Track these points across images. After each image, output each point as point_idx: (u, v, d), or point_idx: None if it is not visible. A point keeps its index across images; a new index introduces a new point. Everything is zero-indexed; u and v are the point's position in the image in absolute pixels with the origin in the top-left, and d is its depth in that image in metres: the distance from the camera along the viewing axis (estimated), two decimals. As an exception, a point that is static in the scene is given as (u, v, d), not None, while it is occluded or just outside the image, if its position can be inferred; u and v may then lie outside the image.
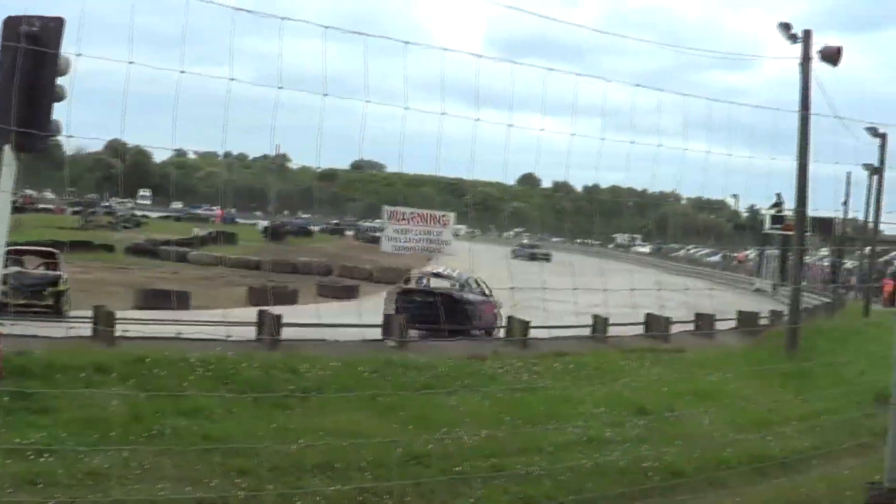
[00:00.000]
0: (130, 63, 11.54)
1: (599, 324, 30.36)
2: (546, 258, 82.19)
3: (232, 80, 11.47)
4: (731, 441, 18.23)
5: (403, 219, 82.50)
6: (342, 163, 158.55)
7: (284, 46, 12.38)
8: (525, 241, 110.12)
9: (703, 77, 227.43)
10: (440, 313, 27.09)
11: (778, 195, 60.28)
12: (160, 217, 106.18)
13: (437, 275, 37.39)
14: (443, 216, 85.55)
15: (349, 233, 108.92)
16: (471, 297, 34.27)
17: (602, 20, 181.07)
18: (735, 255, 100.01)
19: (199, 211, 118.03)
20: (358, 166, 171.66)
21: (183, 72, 11.86)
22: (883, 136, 43.53)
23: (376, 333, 27.22)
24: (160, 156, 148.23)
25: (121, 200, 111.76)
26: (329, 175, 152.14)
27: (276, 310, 26.68)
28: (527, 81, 13.80)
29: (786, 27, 31.59)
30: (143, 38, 12.28)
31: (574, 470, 15.28)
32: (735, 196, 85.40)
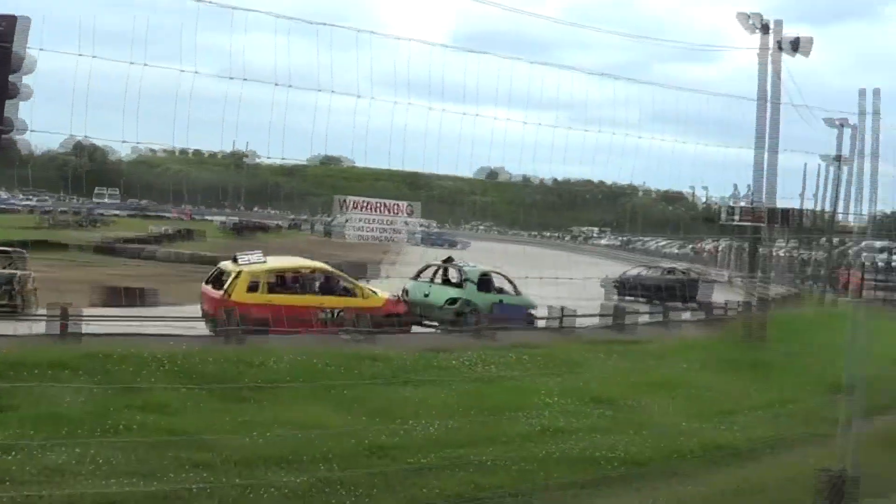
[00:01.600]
0: (94, 57, 11.67)
1: (563, 315, 30.43)
2: (456, 245, 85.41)
3: (196, 73, 11.61)
4: (690, 431, 18.47)
5: (366, 208, 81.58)
6: (304, 158, 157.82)
7: (244, 42, 12.49)
8: (435, 228, 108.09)
9: (668, 69, 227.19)
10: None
11: (735, 186, 60.96)
12: (129, 215, 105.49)
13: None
14: (408, 205, 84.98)
15: (306, 228, 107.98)
16: None
17: (566, 14, 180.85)
18: (698, 246, 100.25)
19: (168, 213, 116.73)
20: (324, 162, 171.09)
21: (146, 65, 12.00)
22: (849, 127, 43.97)
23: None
24: (123, 154, 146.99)
25: (85, 199, 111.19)
26: (291, 171, 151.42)
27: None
28: (488, 75, 13.89)
29: (749, 18, 31.77)
30: (102, 37, 12.36)
31: (534, 460, 15.44)
32: (705, 188, 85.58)
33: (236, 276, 28.11)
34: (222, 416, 16.31)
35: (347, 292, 29.62)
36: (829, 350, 24.00)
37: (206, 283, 29.44)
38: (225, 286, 27.94)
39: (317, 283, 30.14)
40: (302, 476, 13.53)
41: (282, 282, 29.54)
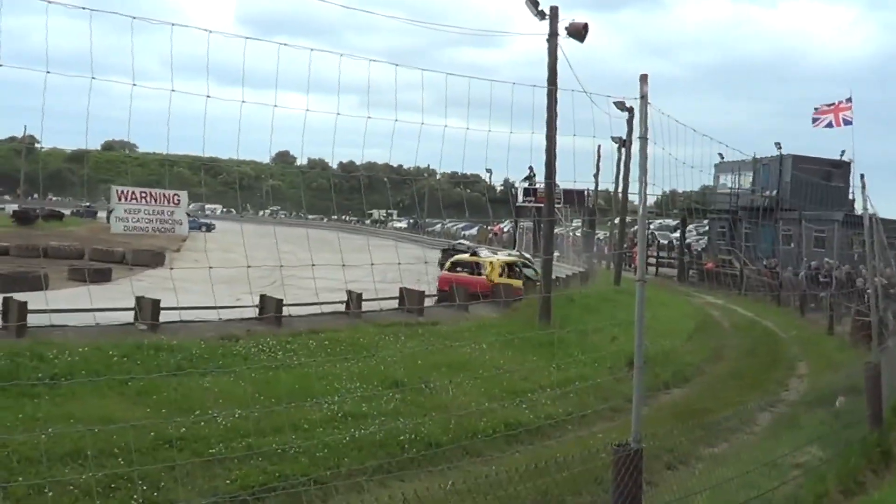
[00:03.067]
0: None
1: (353, 300, 30.15)
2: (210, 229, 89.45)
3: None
4: (486, 410, 18.53)
5: (133, 198, 79.47)
6: (93, 144, 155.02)
7: (29, 25, 11.92)
8: (195, 211, 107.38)
9: (454, 54, 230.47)
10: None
11: (530, 168, 61.78)
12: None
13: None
14: (175, 195, 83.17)
15: (101, 215, 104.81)
16: None
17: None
18: (491, 227, 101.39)
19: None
20: (109, 147, 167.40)
21: None
22: (630, 111, 44.81)
23: (129, 317, 26.40)
24: None
25: None
26: (79, 157, 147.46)
27: (23, 296, 25.49)
28: (269, 58, 13.50)
29: (534, 4, 32.02)
30: None
31: (330, 446, 15.27)
32: (489, 170, 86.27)
33: (491, 265, 41.58)
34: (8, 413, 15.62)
35: (534, 279, 41.55)
36: (624, 327, 24.46)
37: (445, 270, 42.47)
38: (485, 272, 40.72)
39: (523, 272, 43.04)
40: (92, 472, 13.02)
41: (508, 269, 42.30)
